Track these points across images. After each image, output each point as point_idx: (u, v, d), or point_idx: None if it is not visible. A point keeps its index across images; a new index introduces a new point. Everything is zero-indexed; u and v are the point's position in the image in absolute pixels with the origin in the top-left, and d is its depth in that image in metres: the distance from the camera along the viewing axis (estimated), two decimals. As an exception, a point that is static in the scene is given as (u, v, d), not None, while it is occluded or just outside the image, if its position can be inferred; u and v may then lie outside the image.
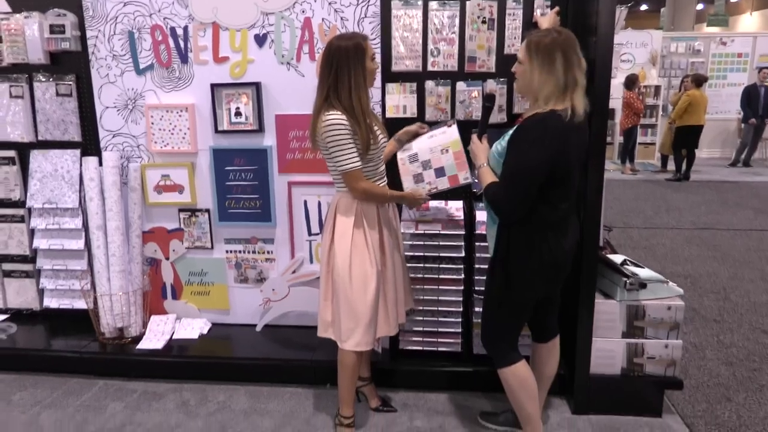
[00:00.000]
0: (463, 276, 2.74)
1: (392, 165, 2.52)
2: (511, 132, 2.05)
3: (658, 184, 8.85)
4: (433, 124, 2.53)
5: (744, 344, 3.39)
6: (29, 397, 2.84)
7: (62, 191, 3.10)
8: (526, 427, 2.27)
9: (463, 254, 2.71)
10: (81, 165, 3.05)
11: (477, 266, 2.71)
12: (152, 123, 2.97)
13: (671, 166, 9.41)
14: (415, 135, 2.52)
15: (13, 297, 3.36)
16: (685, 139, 8.86)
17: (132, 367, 2.97)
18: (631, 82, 9.09)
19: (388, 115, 2.81)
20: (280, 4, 2.79)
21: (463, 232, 2.70)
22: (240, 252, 3.13)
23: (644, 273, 2.62)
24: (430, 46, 2.77)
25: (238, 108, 2.90)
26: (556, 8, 2.55)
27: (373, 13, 2.76)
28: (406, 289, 2.57)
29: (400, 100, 2.81)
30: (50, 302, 3.29)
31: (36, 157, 3.14)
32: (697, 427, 2.57)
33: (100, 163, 2.99)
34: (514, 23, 2.72)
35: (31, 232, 3.23)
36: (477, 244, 2.70)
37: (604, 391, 2.62)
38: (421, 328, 2.81)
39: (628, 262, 2.74)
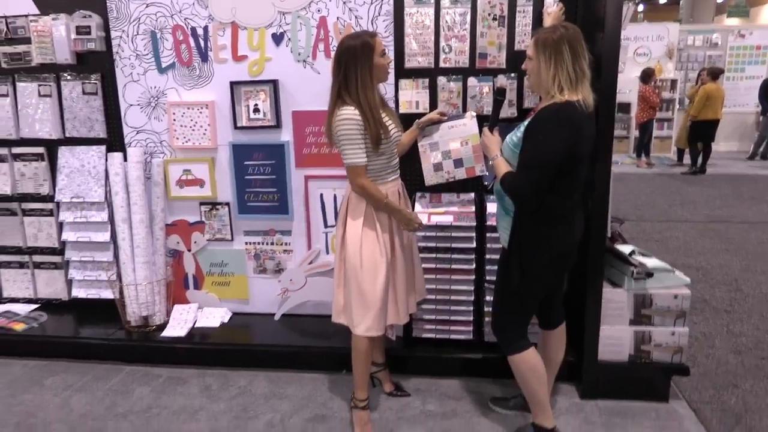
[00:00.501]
0: (474, 266, 2.83)
1: (408, 156, 2.63)
2: (526, 123, 2.12)
3: (673, 177, 8.83)
4: (453, 115, 2.63)
5: (753, 334, 3.44)
6: (60, 382, 2.98)
7: (89, 186, 3.24)
8: (536, 411, 2.35)
9: (474, 245, 2.79)
10: (106, 160, 3.18)
11: (488, 257, 2.79)
12: (174, 120, 3.09)
13: (687, 159, 9.37)
14: (435, 122, 2.61)
15: (43, 287, 3.51)
16: (701, 133, 8.83)
17: (157, 354, 3.10)
18: (647, 75, 9.06)
19: (402, 110, 2.89)
20: (297, 4, 2.89)
21: (475, 224, 2.78)
22: (259, 244, 3.24)
23: (651, 262, 2.69)
24: (442, 43, 2.85)
25: (256, 105, 3.01)
26: (561, 5, 2.61)
27: (387, 11, 2.85)
28: (418, 280, 2.66)
29: (413, 96, 2.90)
30: (78, 292, 3.44)
31: (64, 153, 3.28)
32: (704, 412, 2.63)
33: (125, 159, 3.12)
34: (524, 20, 2.79)
35: (60, 225, 3.37)
36: (488, 235, 2.78)
37: (612, 377, 2.69)
38: (433, 317, 2.90)
39: (636, 252, 2.80)
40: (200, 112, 3.07)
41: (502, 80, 2.84)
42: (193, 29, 3.00)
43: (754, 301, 3.94)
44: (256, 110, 3.02)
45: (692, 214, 6.49)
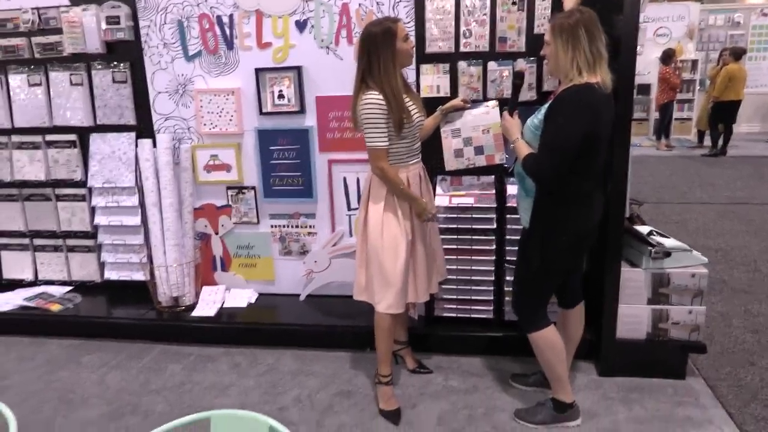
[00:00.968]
0: (494, 247, 2.90)
1: (430, 142, 2.69)
2: (547, 105, 2.17)
3: (693, 159, 8.77)
4: (475, 101, 2.68)
5: (772, 314, 3.47)
6: (96, 360, 3.12)
7: (120, 171, 3.35)
8: (555, 386, 2.43)
9: (494, 226, 2.86)
10: (136, 147, 3.28)
11: (508, 237, 2.86)
12: (201, 106, 3.18)
13: (708, 141, 9.28)
14: (458, 108, 2.67)
15: (77, 270, 3.65)
16: (722, 114, 8.74)
17: (187, 333, 3.22)
18: (667, 56, 8.97)
19: (423, 95, 2.94)
20: (319, -9, 2.96)
21: (495, 205, 2.85)
22: (284, 227, 3.34)
23: (669, 242, 2.73)
24: (462, 28, 2.89)
25: (281, 91, 3.09)
26: None
27: (408, -3, 2.90)
28: (439, 260, 2.73)
29: (434, 81, 2.95)
30: (110, 274, 3.57)
31: (95, 140, 3.39)
32: (720, 389, 2.69)
33: (154, 145, 3.22)
34: (543, 4, 2.81)
35: (92, 210, 3.50)
36: (508, 216, 2.84)
37: (630, 355, 2.75)
38: (455, 296, 2.98)
39: (654, 233, 2.85)
40: (226, 99, 3.15)
41: (520, 64, 2.88)
42: (219, 18, 3.08)
43: (773, 281, 3.96)
44: (281, 96, 3.10)
45: (712, 196, 6.47)
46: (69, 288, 3.64)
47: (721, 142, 8.92)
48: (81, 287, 3.64)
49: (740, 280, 3.99)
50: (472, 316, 3.01)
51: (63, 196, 3.53)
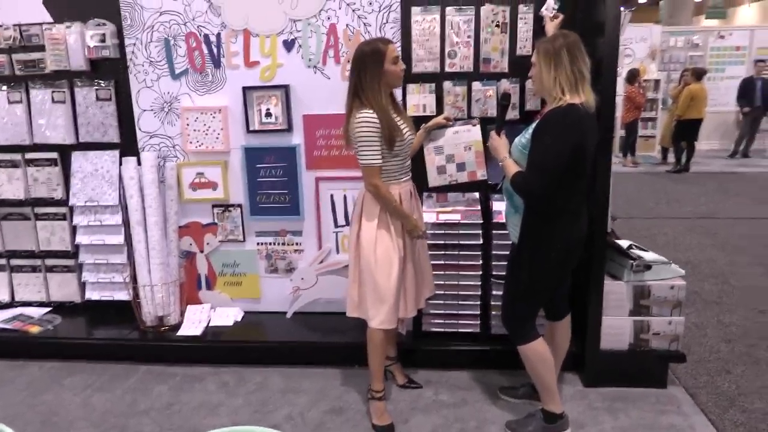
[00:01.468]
0: (481, 262, 2.96)
1: (413, 159, 2.75)
2: (533, 125, 2.26)
3: (658, 176, 9.07)
4: (457, 120, 2.76)
5: (742, 323, 3.61)
6: (79, 382, 3.06)
7: (103, 190, 3.31)
8: (545, 397, 2.48)
9: (481, 242, 2.93)
10: (120, 165, 3.25)
11: (494, 253, 2.93)
12: (188, 124, 3.18)
13: (672, 158, 9.62)
14: (441, 126, 2.74)
15: (56, 290, 3.58)
16: (685, 132, 9.08)
17: (173, 353, 3.18)
18: (632, 76, 9.29)
19: (409, 113, 2.99)
20: (307, 11, 3.00)
21: (481, 221, 2.91)
22: (270, 244, 3.34)
23: (649, 256, 2.84)
24: (448, 49, 2.98)
25: (268, 109, 3.11)
26: (561, 16, 2.74)
27: (394, 18, 2.97)
28: (428, 276, 2.78)
29: (420, 100, 3.02)
30: (92, 294, 3.51)
31: (77, 158, 3.35)
32: (699, 396, 2.79)
33: (139, 163, 3.20)
34: (525, 26, 2.92)
35: (73, 229, 3.44)
36: (494, 232, 2.91)
37: (613, 365, 2.84)
38: (442, 311, 3.03)
39: (633, 247, 2.95)
40: (213, 117, 3.16)
41: (506, 84, 2.97)
42: (206, 36, 3.10)
43: (740, 293, 4.12)
44: (268, 114, 3.12)
45: (678, 211, 6.70)
46: (47, 309, 3.55)
47: (684, 158, 9.25)
48: (60, 308, 3.56)
49: (711, 292, 4.14)
50: (459, 330, 3.06)
51: (42, 215, 3.47)
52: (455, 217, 2.93)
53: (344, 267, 3.25)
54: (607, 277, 2.81)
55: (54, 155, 3.37)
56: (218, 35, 3.09)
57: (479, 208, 2.98)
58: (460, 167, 3.05)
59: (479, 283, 2.99)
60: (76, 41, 3.14)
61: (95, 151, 3.33)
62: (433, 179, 3.08)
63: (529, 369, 2.47)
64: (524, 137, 2.30)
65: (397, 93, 2.99)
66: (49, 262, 3.54)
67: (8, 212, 3.49)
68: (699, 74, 9.06)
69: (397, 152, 2.45)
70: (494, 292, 2.96)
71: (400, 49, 2.97)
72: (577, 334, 2.81)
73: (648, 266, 2.76)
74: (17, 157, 3.39)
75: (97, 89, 3.23)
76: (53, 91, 3.26)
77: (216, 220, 3.34)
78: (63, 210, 3.44)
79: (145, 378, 3.07)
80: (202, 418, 2.70)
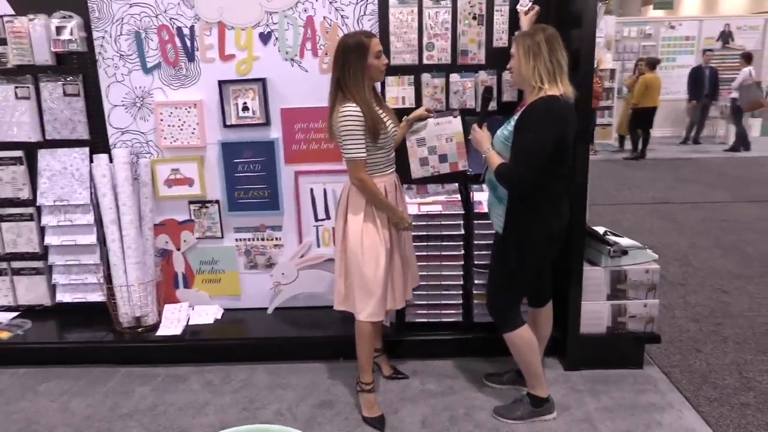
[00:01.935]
0: (462, 252, 3.00)
1: (399, 151, 2.76)
2: (516, 117, 2.30)
3: (616, 163, 9.34)
4: (438, 111, 2.78)
5: (707, 303, 3.78)
6: (55, 387, 2.96)
7: (72, 188, 3.20)
8: (531, 382, 2.54)
9: (462, 232, 2.96)
10: (91, 162, 3.15)
11: (476, 242, 2.97)
12: (161, 120, 3.10)
13: (628, 145, 9.92)
14: (423, 118, 2.76)
15: (24, 294, 3.44)
16: (641, 120, 9.38)
17: (152, 354, 3.12)
18: (589, 66, 9.49)
19: (389, 105, 3.01)
20: (284, 4, 2.96)
21: (462, 212, 2.95)
22: (249, 240, 3.30)
23: (624, 241, 2.94)
24: (426, 41, 2.99)
25: (245, 103, 3.07)
26: (536, 8, 2.79)
27: (372, 11, 2.96)
28: (413, 267, 2.80)
29: (399, 92, 3.03)
30: (63, 297, 3.39)
31: (44, 156, 3.22)
32: (674, 374, 2.91)
33: (110, 160, 3.11)
34: (501, 18, 2.96)
35: (41, 230, 3.31)
36: (475, 222, 2.95)
37: (593, 348, 2.93)
38: (425, 302, 3.06)
39: (608, 233, 3.05)
40: (188, 112, 3.09)
41: (484, 76, 3.01)
42: (179, 29, 3.02)
43: (703, 274, 4.30)
44: (245, 108, 3.07)
45: (639, 196, 6.93)
46: (15, 314, 3.42)
47: (640, 146, 9.55)
48: (29, 312, 3.43)
49: (676, 274, 4.31)
50: (443, 320, 3.10)
51: (7, 216, 3.33)
52: (437, 208, 2.96)
53: (325, 261, 3.26)
54: (586, 263, 2.89)
55: (19, 153, 3.23)
56: (192, 28, 3.02)
57: (459, 198, 3.02)
58: (443, 158, 3.08)
59: (461, 273, 3.03)
60: (41, 34, 3.01)
61: (63, 149, 3.21)
62: (416, 171, 3.11)
63: (516, 355, 2.53)
64: (506, 129, 2.34)
65: (377, 85, 3.00)
66: (16, 264, 3.40)
67: (-30, 214, 3.34)
68: (653, 64, 9.36)
69: (381, 145, 2.45)
70: (476, 281, 3.01)
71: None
72: (558, 320, 2.87)
73: (624, 251, 2.85)
74: (-22, 156, 3.24)
75: (64, 84, 3.11)
76: (16, 87, 3.12)
77: (193, 217, 3.28)
78: (30, 210, 3.31)
79: (124, 380, 3.00)
80: (191, 418, 2.65)
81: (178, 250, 3.33)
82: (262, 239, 3.30)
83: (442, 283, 3.04)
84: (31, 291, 3.43)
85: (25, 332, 3.24)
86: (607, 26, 10.54)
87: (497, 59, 2.95)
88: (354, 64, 2.34)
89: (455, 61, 3.02)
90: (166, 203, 3.26)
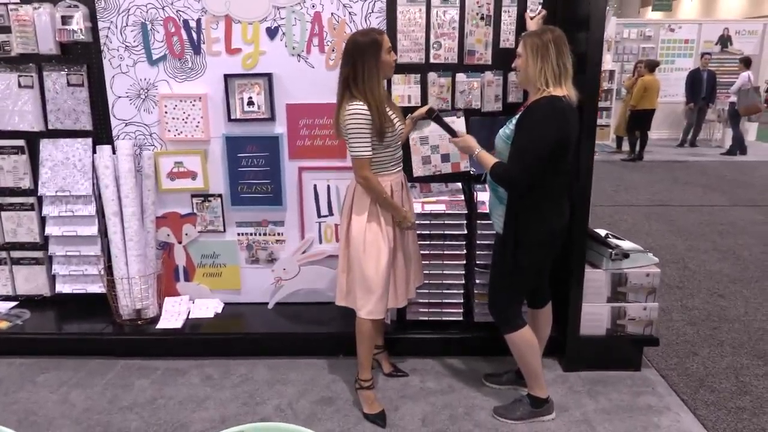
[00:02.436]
0: (464, 251, 3.01)
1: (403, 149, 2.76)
2: (517, 116, 2.31)
3: (614, 164, 9.38)
4: (442, 111, 2.78)
5: (704, 307, 3.81)
6: (54, 379, 2.95)
7: (75, 179, 3.18)
8: (531, 383, 2.56)
9: (465, 231, 2.97)
10: (94, 153, 3.13)
11: (478, 242, 2.98)
12: (166, 112, 3.09)
13: (626, 146, 9.95)
14: (426, 117, 2.76)
15: (23, 284, 3.43)
16: (638, 122, 9.42)
17: (152, 347, 3.12)
18: (588, 67, 9.51)
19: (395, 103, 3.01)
20: (291, -1, 2.96)
21: (465, 212, 2.96)
22: (251, 234, 3.30)
23: (626, 244, 2.95)
24: (433, 40, 2.99)
25: (250, 97, 3.06)
26: (543, 12, 2.80)
27: (380, 8, 2.95)
28: (417, 265, 2.81)
29: (405, 90, 3.03)
30: (63, 287, 3.38)
31: (46, 146, 3.20)
32: (671, 377, 2.93)
33: (113, 152, 3.09)
34: (509, 19, 2.96)
35: (42, 220, 3.30)
36: (478, 222, 2.96)
37: (591, 350, 2.95)
38: (426, 300, 3.07)
39: (610, 236, 3.06)
40: (193, 105, 3.08)
41: (490, 76, 3.01)
42: (186, 21, 3.00)
43: (700, 277, 4.34)
44: (251, 103, 3.06)
45: (636, 198, 6.97)
46: (14, 303, 3.40)
47: (638, 147, 9.58)
48: (28, 302, 3.41)
49: (673, 277, 4.34)
50: (443, 318, 3.11)
51: (8, 206, 3.31)
52: (440, 207, 2.96)
53: (327, 257, 3.26)
54: (587, 265, 2.90)
55: (21, 143, 3.21)
56: (198, 21, 3.00)
57: (463, 198, 3.02)
58: (445, 158, 3.09)
59: (463, 272, 3.04)
60: (46, 23, 2.98)
61: (66, 139, 3.19)
62: (418, 169, 3.11)
63: (516, 356, 2.54)
64: (508, 128, 2.35)
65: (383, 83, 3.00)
66: (15, 254, 3.38)
67: (-30, 202, 3.32)
68: (652, 66, 9.39)
69: (388, 143, 2.46)
70: (477, 281, 3.02)
71: (385, 39, 2.97)
72: (558, 321, 2.89)
73: (626, 255, 2.87)
74: (-21, 144, 3.22)
75: (68, 74, 3.08)
76: (20, 75, 3.10)
77: (195, 211, 3.27)
78: (31, 200, 3.29)
79: (124, 373, 3.00)
80: (191, 412, 2.66)
81: (180, 243, 3.32)
82: (264, 234, 3.30)
83: (444, 282, 3.05)
84: (31, 281, 3.42)
85: (23, 322, 3.23)
86: (607, 27, 10.57)
87: (504, 60, 2.95)
88: (368, 61, 2.34)
89: (462, 61, 3.02)
90: (169, 196, 3.25)
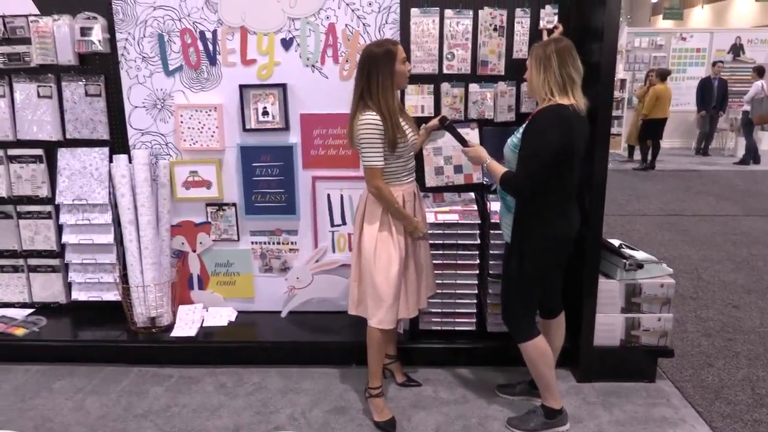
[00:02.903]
0: (477, 261, 3.01)
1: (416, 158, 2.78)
2: (525, 125, 2.33)
3: (626, 173, 9.34)
4: (456, 122, 2.79)
5: (719, 318, 3.78)
6: (69, 386, 2.98)
7: (91, 188, 3.22)
8: (545, 394, 2.55)
9: (478, 241, 2.98)
10: (111, 162, 3.17)
11: (491, 252, 2.98)
12: (181, 122, 3.12)
13: (637, 155, 9.91)
14: (440, 127, 2.78)
15: (39, 291, 3.47)
16: (650, 131, 9.38)
17: (167, 354, 3.14)
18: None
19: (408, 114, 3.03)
20: (306, 10, 2.98)
21: (478, 221, 2.96)
22: (265, 243, 3.32)
23: (640, 255, 2.95)
24: (446, 51, 3.01)
25: (265, 107, 3.09)
26: (560, 28, 2.81)
27: (394, 20, 2.98)
28: (430, 275, 2.81)
29: (418, 101, 3.05)
30: (79, 295, 3.41)
31: (64, 155, 3.25)
32: (686, 389, 2.91)
33: (130, 161, 3.13)
34: (522, 30, 2.97)
35: (59, 228, 3.34)
36: (491, 231, 2.96)
37: (605, 361, 2.94)
38: (439, 310, 3.07)
39: (623, 246, 3.05)
40: (208, 115, 3.11)
41: (503, 87, 3.02)
42: (202, 33, 3.04)
43: (714, 288, 4.30)
44: (265, 113, 3.09)
45: (648, 207, 6.93)
46: (31, 310, 3.44)
47: (649, 156, 9.54)
48: (44, 309, 3.45)
49: (687, 287, 4.31)
50: (456, 328, 3.11)
51: (25, 214, 3.35)
52: (453, 217, 2.97)
53: (340, 266, 3.27)
54: (601, 276, 2.89)
55: (39, 152, 3.26)
56: (214, 32, 3.04)
57: (476, 208, 3.03)
58: (458, 169, 3.10)
59: (476, 282, 3.04)
60: (65, 35, 3.03)
61: (83, 148, 3.23)
62: (431, 180, 3.13)
63: (530, 366, 2.54)
64: (515, 137, 2.38)
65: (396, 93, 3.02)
66: (32, 261, 3.43)
67: (-11, 211, 3.37)
68: (663, 75, 9.36)
69: (401, 153, 2.47)
70: (490, 291, 3.02)
71: (399, 50, 2.99)
72: (571, 331, 2.88)
73: (640, 265, 2.86)
74: (-1, 153, 3.27)
75: (86, 84, 3.13)
76: (39, 86, 3.15)
77: (210, 219, 3.30)
78: (48, 208, 3.33)
79: (138, 380, 3.02)
80: (205, 420, 2.67)
81: (194, 251, 3.35)
82: (278, 243, 3.32)
83: (457, 291, 3.05)
84: (47, 288, 3.46)
85: (40, 329, 3.26)
86: (619, 36, 10.55)
87: (517, 70, 2.96)
88: (383, 71, 2.36)
89: (475, 72, 3.04)
90: (184, 205, 3.28)
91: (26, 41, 3.10)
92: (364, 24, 3.00)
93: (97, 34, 3.04)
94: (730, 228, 5.94)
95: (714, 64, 10.51)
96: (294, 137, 3.16)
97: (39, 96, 3.17)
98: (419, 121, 2.93)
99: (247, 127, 3.12)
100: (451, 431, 2.57)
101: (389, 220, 2.51)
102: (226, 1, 2.99)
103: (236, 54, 3.06)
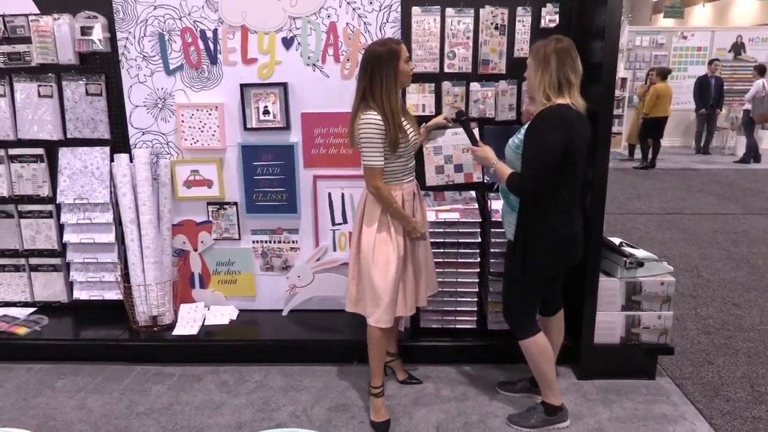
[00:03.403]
0: (478, 260, 3.02)
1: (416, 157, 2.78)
2: (526, 126, 2.33)
3: (626, 172, 9.34)
4: (456, 121, 2.80)
5: (718, 316, 3.79)
6: (71, 384, 2.99)
7: (92, 187, 3.23)
8: (545, 391, 2.56)
9: (479, 240, 2.98)
10: (111, 161, 3.18)
11: (492, 250, 2.99)
12: (182, 121, 3.13)
13: (638, 154, 9.91)
14: (441, 126, 2.79)
15: (41, 290, 3.47)
16: (651, 130, 9.38)
17: (168, 353, 3.14)
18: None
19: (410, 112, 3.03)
20: (307, 9, 2.99)
21: (479, 220, 2.97)
22: (266, 242, 3.33)
23: (640, 253, 2.95)
24: (447, 50, 3.01)
25: (266, 106, 3.09)
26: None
27: (395, 18, 2.98)
28: (431, 274, 2.81)
29: (419, 100, 3.05)
30: (80, 294, 3.42)
31: (65, 155, 3.25)
32: (686, 387, 2.92)
33: (131, 160, 3.14)
34: (523, 29, 2.98)
35: (60, 227, 3.35)
36: (492, 230, 2.97)
37: (606, 358, 2.94)
38: (440, 308, 3.08)
39: (624, 244, 3.06)
40: (209, 114, 3.12)
41: (504, 85, 3.03)
42: (203, 32, 3.05)
43: (714, 286, 4.31)
44: (266, 112, 3.10)
45: (648, 206, 6.94)
46: (32, 309, 3.45)
47: (650, 155, 9.54)
48: (46, 308, 3.46)
49: (687, 285, 4.31)
50: (457, 326, 3.12)
51: (27, 213, 3.36)
52: (454, 216, 2.97)
53: (341, 265, 3.28)
54: (601, 274, 2.90)
55: (40, 151, 3.26)
56: (215, 31, 3.05)
57: (477, 206, 3.03)
58: (458, 168, 3.11)
59: (477, 280, 3.05)
60: (65, 34, 3.04)
61: (84, 148, 3.24)
62: (431, 178, 3.13)
63: (531, 363, 2.55)
64: (517, 138, 2.38)
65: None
66: (34, 261, 3.43)
67: (-10, 210, 3.37)
68: (664, 74, 9.36)
69: (400, 153, 2.47)
70: (491, 289, 3.03)
71: (399, 48, 2.99)
72: (572, 329, 2.89)
73: (641, 263, 2.87)
74: (0, 153, 3.27)
75: (86, 84, 3.14)
76: (39, 85, 3.16)
77: (211, 218, 3.30)
78: (49, 207, 3.34)
79: (140, 379, 3.03)
80: (207, 417, 2.68)
81: (195, 250, 3.35)
82: (279, 242, 3.32)
83: (458, 290, 3.06)
84: (48, 288, 3.46)
85: (41, 328, 3.27)
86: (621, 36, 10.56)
87: (518, 69, 2.96)
88: (387, 71, 2.36)
89: (476, 70, 3.04)
90: (185, 204, 3.29)
91: (27, 40, 3.10)
92: (365, 23, 3.01)
93: (98, 34, 3.04)
94: (730, 226, 5.94)
95: (710, 62, 10.50)
96: (295, 136, 3.17)
97: (40, 95, 3.17)
98: (420, 120, 2.94)
99: (248, 126, 3.13)
100: (452, 428, 2.58)
101: (388, 219, 2.51)
102: (226, 0, 3.00)
103: (237, 53, 3.07)
